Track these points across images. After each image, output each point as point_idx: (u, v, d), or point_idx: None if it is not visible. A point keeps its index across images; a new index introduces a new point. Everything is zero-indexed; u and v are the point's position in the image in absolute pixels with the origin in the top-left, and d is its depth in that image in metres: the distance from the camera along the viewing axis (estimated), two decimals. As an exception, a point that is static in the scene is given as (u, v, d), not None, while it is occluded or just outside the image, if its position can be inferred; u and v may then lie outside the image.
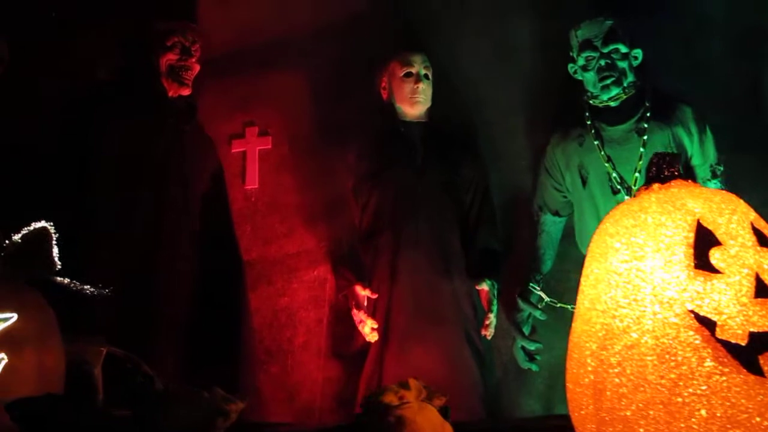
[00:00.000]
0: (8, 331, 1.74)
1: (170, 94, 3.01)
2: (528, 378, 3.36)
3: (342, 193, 3.32)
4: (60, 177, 2.78)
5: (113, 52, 3.07)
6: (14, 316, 1.75)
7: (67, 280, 1.94)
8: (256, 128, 3.55)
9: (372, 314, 3.14)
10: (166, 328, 2.80)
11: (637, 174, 2.98)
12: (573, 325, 1.59)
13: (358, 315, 3.09)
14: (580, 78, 3.16)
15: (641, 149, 2.99)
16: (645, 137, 2.99)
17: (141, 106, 2.92)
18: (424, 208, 3.22)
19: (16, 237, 1.88)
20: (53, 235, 1.90)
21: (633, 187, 2.98)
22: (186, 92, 3.02)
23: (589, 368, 1.45)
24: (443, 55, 3.49)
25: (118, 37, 3.09)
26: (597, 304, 1.47)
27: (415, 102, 3.32)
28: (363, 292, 3.12)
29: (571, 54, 3.16)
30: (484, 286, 3.19)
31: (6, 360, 1.73)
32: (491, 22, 3.54)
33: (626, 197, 2.98)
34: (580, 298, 1.57)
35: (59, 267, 1.91)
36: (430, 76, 3.35)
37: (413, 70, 3.32)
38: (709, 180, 3.03)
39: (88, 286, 2.00)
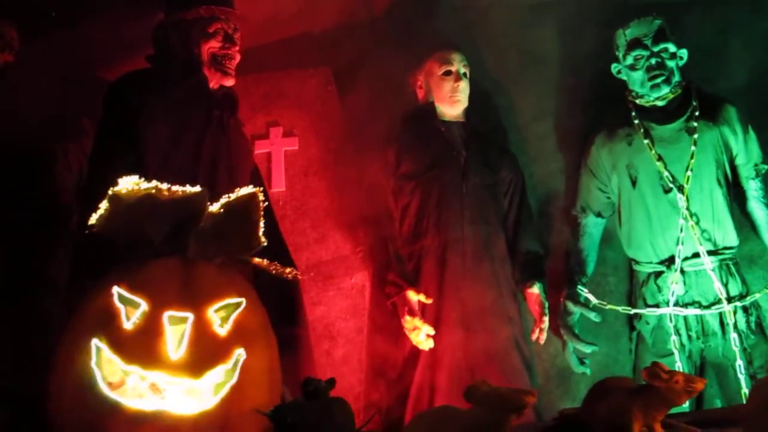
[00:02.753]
0: (240, 320, 1.44)
1: (211, 84, 2.76)
2: (571, 384, 3.28)
3: (379, 194, 3.15)
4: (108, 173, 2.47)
5: (149, 39, 2.80)
6: (243, 301, 1.46)
7: (266, 262, 1.67)
8: (281, 128, 3.35)
9: (419, 322, 2.96)
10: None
11: (689, 173, 2.98)
12: None
13: (412, 322, 2.91)
14: (624, 78, 3.16)
15: (692, 148, 2.99)
16: (695, 136, 3.00)
17: (185, 97, 2.66)
18: (468, 210, 3.10)
19: (216, 207, 1.59)
20: (262, 204, 1.62)
21: (685, 186, 2.98)
22: (229, 82, 2.78)
23: None
24: (472, 61, 3.39)
25: (154, 23, 2.83)
26: None
27: (455, 101, 3.22)
28: (416, 297, 2.95)
29: (616, 53, 3.15)
30: (535, 290, 3.09)
31: (244, 356, 1.42)
32: (519, 29, 3.50)
33: (678, 195, 2.98)
34: None
35: (264, 244, 1.63)
36: (468, 75, 3.26)
37: (452, 69, 3.22)
38: (752, 179, 3.07)
39: (290, 270, 1.75)
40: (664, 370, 1.51)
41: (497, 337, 3.02)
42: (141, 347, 1.42)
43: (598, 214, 3.23)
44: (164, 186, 1.58)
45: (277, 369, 1.55)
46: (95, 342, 1.48)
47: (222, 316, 1.44)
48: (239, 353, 1.43)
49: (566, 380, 3.26)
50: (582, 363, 3.13)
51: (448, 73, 3.22)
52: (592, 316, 3.09)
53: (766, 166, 3.08)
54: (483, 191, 3.16)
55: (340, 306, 3.17)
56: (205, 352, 1.41)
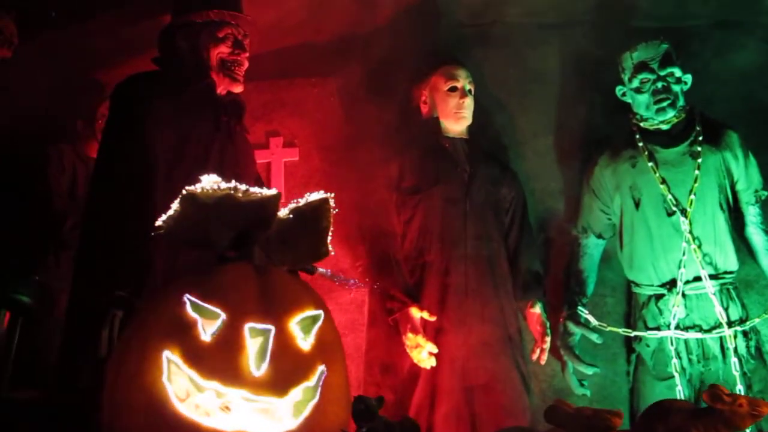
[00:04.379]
0: (320, 335, 1.34)
1: (219, 90, 2.69)
2: (568, 405, 3.24)
3: (381, 208, 3.10)
4: (115, 180, 2.38)
5: (148, 41, 2.72)
6: (322, 314, 1.37)
7: (329, 272, 1.60)
8: (281, 138, 3.28)
9: (420, 339, 2.91)
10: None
11: (692, 196, 2.99)
12: None
13: (415, 339, 2.85)
14: (628, 101, 3.16)
15: (696, 172, 3.01)
16: (699, 160, 3.01)
17: (193, 102, 2.58)
18: (472, 227, 3.07)
19: (284, 212, 1.50)
20: (333, 210, 1.54)
21: (688, 209, 2.99)
22: (238, 89, 2.71)
23: None
24: (472, 76, 3.35)
25: (153, 25, 2.75)
26: None
27: (460, 117, 3.19)
28: (419, 314, 2.90)
29: (621, 76, 3.16)
30: (537, 310, 3.07)
31: (326, 373, 1.32)
32: (520, 46, 3.50)
33: (681, 219, 2.98)
34: None
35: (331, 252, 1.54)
36: (473, 92, 3.24)
37: (458, 85, 3.20)
38: (752, 204, 3.09)
39: (353, 280, 1.68)
40: (725, 392, 1.47)
41: (498, 355, 2.99)
42: (221, 362, 1.30)
43: (599, 236, 3.23)
44: (242, 187, 1.50)
45: (349, 385, 1.47)
46: (167, 354, 1.36)
47: (301, 328, 1.35)
48: (322, 370, 1.34)
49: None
50: (582, 384, 3.10)
51: (453, 89, 3.19)
52: (594, 337, 3.07)
53: (766, 192, 3.10)
54: (486, 208, 3.13)
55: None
56: (289, 369, 1.31)
